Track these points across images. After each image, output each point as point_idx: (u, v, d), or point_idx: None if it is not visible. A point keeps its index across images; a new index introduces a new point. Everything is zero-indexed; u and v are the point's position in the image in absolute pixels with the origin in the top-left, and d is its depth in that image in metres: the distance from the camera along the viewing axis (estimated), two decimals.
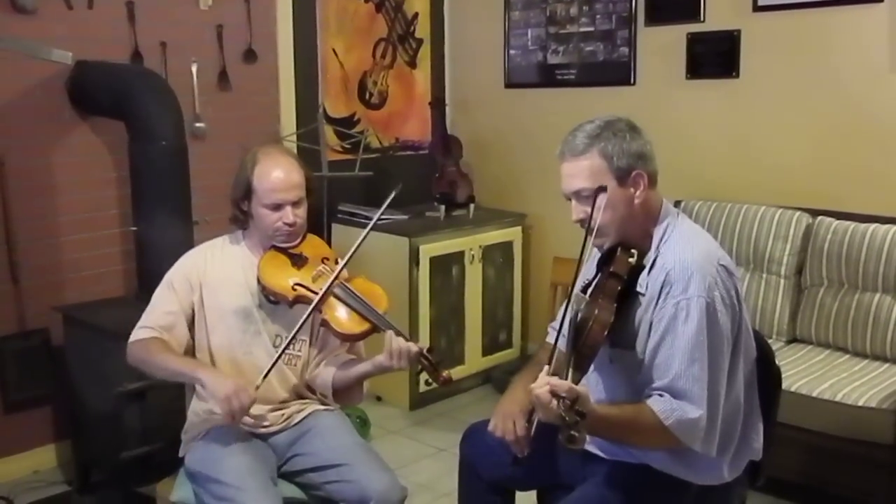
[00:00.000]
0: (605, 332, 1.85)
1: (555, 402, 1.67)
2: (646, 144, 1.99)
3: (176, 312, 2.33)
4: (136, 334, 2.31)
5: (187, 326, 2.35)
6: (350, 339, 2.32)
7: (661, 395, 1.88)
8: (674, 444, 1.88)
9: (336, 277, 2.28)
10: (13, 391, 3.41)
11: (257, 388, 2.18)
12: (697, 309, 1.87)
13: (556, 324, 2.33)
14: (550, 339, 2.34)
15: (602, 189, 1.94)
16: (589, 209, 1.96)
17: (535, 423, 1.85)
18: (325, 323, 2.28)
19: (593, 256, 2.14)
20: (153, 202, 3.23)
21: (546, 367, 1.79)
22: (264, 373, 2.21)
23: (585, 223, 1.98)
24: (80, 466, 3.38)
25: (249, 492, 2.12)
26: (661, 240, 2.00)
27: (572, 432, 1.63)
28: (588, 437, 1.70)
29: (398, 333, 2.21)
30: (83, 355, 3.25)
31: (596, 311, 1.87)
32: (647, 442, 1.93)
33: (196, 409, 2.37)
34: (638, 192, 1.97)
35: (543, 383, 1.71)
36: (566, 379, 1.73)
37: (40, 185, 3.44)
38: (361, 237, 2.27)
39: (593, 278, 2.04)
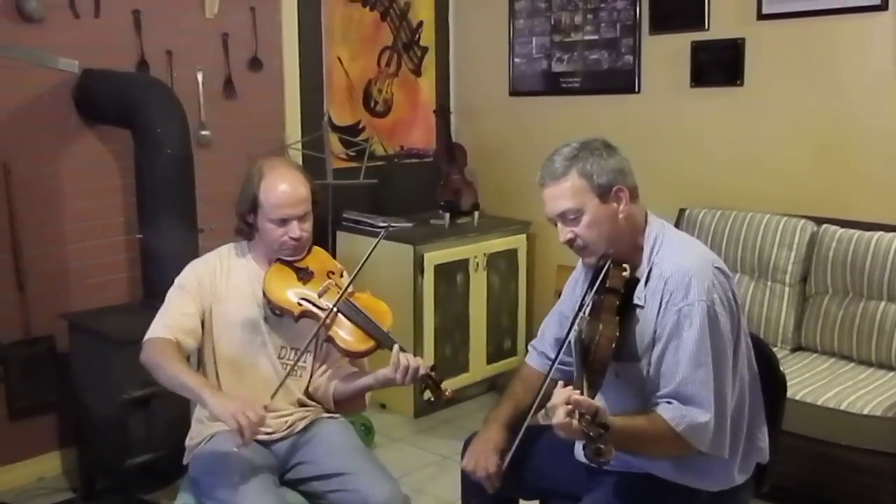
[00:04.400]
0: (613, 345, 1.86)
1: (575, 420, 1.66)
2: (623, 160, 2.03)
3: (193, 314, 2.31)
4: (153, 332, 2.27)
5: (202, 329, 2.34)
6: (353, 355, 2.33)
7: (669, 403, 1.88)
8: (685, 451, 1.88)
9: (343, 296, 2.28)
10: (18, 398, 3.42)
11: (266, 407, 2.13)
12: (699, 313, 1.88)
13: (538, 343, 2.35)
14: (530, 359, 2.36)
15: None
16: (576, 229, 1.99)
17: (507, 461, 1.92)
18: (329, 339, 2.28)
19: (584, 276, 2.18)
20: (159, 210, 3.24)
21: (561, 384, 1.77)
22: (274, 390, 2.20)
23: (573, 244, 2.02)
24: (84, 474, 3.38)
25: (252, 494, 2.12)
26: (651, 251, 2.02)
27: (599, 445, 1.62)
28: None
29: (403, 350, 2.22)
30: (88, 363, 3.26)
31: (601, 327, 1.87)
32: (661, 450, 1.93)
33: (200, 416, 2.37)
34: (621, 207, 2.00)
35: (561, 401, 1.70)
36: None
37: (46, 192, 3.45)
38: (365, 257, 2.27)
39: (584, 296, 2.04)
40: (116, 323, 3.18)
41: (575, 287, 2.26)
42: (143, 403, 2.95)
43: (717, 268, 1.97)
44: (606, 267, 1.98)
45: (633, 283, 1.99)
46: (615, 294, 1.94)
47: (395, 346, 2.21)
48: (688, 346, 1.88)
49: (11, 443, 3.42)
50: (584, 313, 1.96)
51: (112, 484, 3.30)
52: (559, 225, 2.03)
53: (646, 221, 2.06)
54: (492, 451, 2.10)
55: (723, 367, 1.91)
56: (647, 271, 1.99)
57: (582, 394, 1.73)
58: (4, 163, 3.31)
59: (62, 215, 3.50)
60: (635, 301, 1.98)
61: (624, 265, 1.99)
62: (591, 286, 2.03)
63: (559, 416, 1.68)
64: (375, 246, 2.28)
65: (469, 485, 2.30)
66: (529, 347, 2.40)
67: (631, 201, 2.01)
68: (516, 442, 1.89)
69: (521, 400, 2.24)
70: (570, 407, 1.67)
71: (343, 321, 2.28)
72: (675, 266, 1.94)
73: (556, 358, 1.96)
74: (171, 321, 2.29)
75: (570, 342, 1.87)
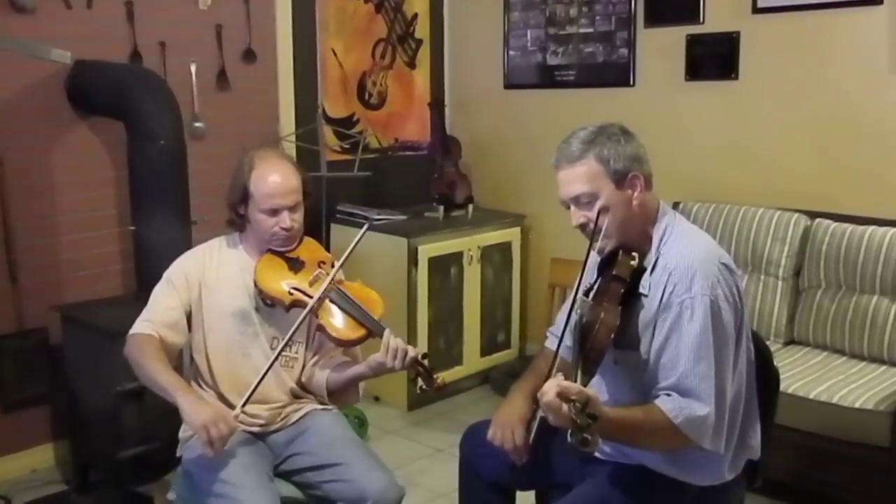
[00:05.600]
0: (612, 336, 1.86)
1: (565, 405, 1.67)
2: (639, 147, 2.01)
3: (177, 308, 2.33)
4: (138, 327, 2.30)
5: (188, 324, 2.35)
6: (345, 344, 2.33)
7: (668, 395, 1.88)
8: (682, 443, 1.88)
9: (331, 282, 2.28)
10: (11, 390, 3.41)
11: (237, 416, 2.17)
12: (702, 307, 1.88)
13: (556, 329, 2.34)
14: (549, 343, 2.35)
15: (605, 210, 1.96)
16: (589, 214, 1.97)
17: (532, 432, 1.88)
18: (320, 328, 2.29)
19: (593, 259, 2.14)
20: (152, 202, 3.23)
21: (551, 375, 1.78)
22: (245, 397, 2.21)
23: (586, 228, 2.00)
24: (78, 466, 3.38)
25: (246, 488, 2.12)
26: (660, 240, 2.01)
27: (585, 435, 1.62)
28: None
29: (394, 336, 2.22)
30: (81, 355, 3.26)
31: (602, 315, 1.87)
32: (657, 442, 1.93)
33: None
34: (636, 194, 1.99)
35: (552, 387, 1.70)
36: (575, 383, 1.73)
37: (39, 184, 3.44)
38: (352, 246, 2.28)
39: (594, 282, 2.04)
40: (109, 315, 3.17)
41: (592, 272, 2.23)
42: (136, 395, 2.95)
43: (723, 263, 1.96)
44: (616, 254, 1.97)
45: (639, 272, 1.98)
46: (621, 282, 1.94)
47: (386, 331, 2.22)
48: (689, 340, 1.88)
49: (4, 435, 3.42)
50: (588, 297, 1.96)
51: (105, 476, 3.30)
52: (572, 208, 2.02)
53: (657, 211, 2.05)
54: (518, 423, 2.07)
55: (724, 363, 1.91)
56: (653, 261, 1.99)
57: (575, 380, 1.73)
58: None
59: (55, 207, 3.49)
60: (640, 290, 1.98)
61: (633, 254, 1.99)
62: (598, 272, 2.04)
63: (549, 397, 1.68)
64: (359, 238, 2.27)
65: (466, 474, 2.31)
66: (547, 333, 2.38)
67: (645, 189, 2.00)
68: (539, 413, 1.87)
69: (543, 373, 2.20)
70: (559, 390, 1.68)
71: (334, 310, 2.29)
72: (681, 258, 1.94)
73: (562, 335, 1.95)
74: (154, 316, 2.31)
75: (570, 324, 1.87)
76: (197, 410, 2.10)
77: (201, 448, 2.11)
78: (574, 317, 1.90)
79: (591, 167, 1.96)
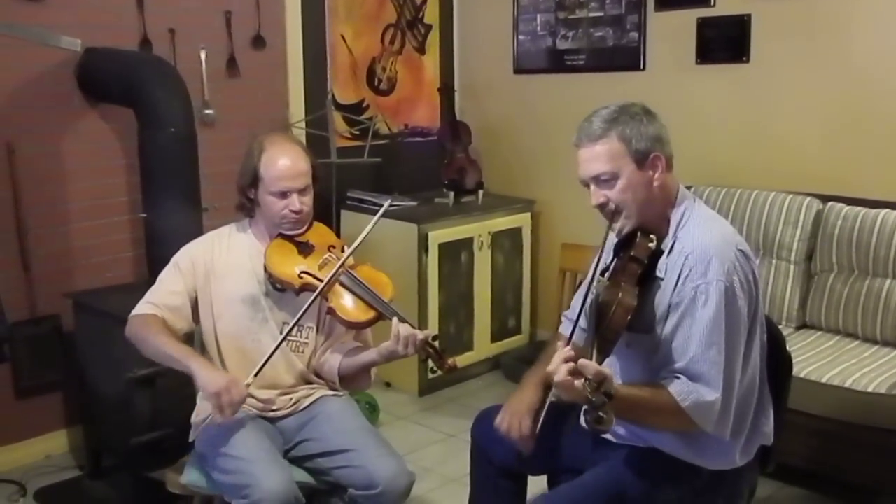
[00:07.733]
0: (629, 316, 1.85)
1: (578, 382, 1.67)
2: (662, 128, 2.00)
3: (181, 293, 2.35)
4: (139, 308, 2.33)
5: (191, 310, 2.36)
6: (355, 326, 2.34)
7: (677, 378, 1.89)
8: (687, 426, 1.89)
9: (342, 265, 2.29)
10: (25, 377, 3.44)
11: (248, 385, 2.19)
12: (716, 293, 1.87)
13: (571, 313, 2.34)
14: (564, 328, 2.34)
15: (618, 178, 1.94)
16: (609, 193, 1.96)
17: (539, 423, 1.91)
18: (331, 311, 2.29)
19: (610, 241, 2.13)
20: (162, 189, 3.24)
21: (559, 345, 1.78)
22: (256, 369, 2.22)
23: (605, 207, 1.99)
24: (91, 451, 3.40)
25: (259, 462, 2.14)
26: (678, 224, 2.00)
27: (600, 414, 1.63)
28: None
29: (403, 320, 2.23)
30: (94, 341, 3.27)
31: (620, 295, 1.86)
32: (663, 423, 1.94)
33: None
34: (657, 175, 1.98)
35: (563, 358, 1.69)
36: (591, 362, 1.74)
37: (50, 172, 3.45)
38: (367, 230, 2.28)
39: (610, 262, 2.04)
40: (121, 302, 3.15)
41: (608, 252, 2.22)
42: (149, 382, 2.96)
43: (740, 250, 1.95)
44: (634, 235, 1.97)
45: (657, 254, 1.97)
46: (638, 263, 1.93)
47: (394, 319, 2.23)
48: (702, 325, 1.87)
49: (19, 421, 3.45)
50: (605, 277, 1.96)
51: (118, 462, 3.32)
52: (592, 187, 2.00)
53: (677, 194, 2.04)
54: (526, 413, 2.08)
55: (735, 349, 1.90)
56: (670, 244, 1.98)
57: (591, 359, 1.73)
58: (8, 142, 3.31)
59: (66, 195, 3.50)
60: (657, 273, 1.97)
61: (651, 235, 1.98)
62: (615, 253, 2.03)
63: (560, 374, 1.69)
64: (377, 220, 2.28)
65: (478, 459, 2.32)
66: (562, 317, 2.38)
67: (666, 170, 1.99)
68: (549, 399, 1.88)
69: None
70: (571, 365, 1.68)
71: (344, 293, 2.30)
72: (698, 243, 1.93)
73: (577, 319, 1.95)
74: (157, 299, 2.34)
75: (587, 304, 1.87)
76: (211, 377, 2.14)
77: (213, 414, 2.15)
78: (590, 297, 1.89)
79: (612, 146, 1.95)
